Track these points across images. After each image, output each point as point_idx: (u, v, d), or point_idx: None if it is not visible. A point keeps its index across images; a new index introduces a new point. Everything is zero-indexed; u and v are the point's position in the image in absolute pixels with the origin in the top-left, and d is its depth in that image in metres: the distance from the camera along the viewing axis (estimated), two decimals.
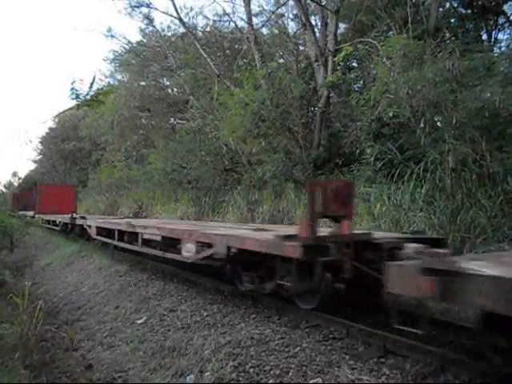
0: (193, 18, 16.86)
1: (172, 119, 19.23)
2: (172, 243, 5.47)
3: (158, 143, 16.33)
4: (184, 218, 11.94)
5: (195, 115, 13.81)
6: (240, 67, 13.17)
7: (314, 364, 2.91)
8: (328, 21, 10.63)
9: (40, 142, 34.32)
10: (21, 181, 43.66)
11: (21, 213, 17.57)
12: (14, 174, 45.97)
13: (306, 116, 10.64)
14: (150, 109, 18.26)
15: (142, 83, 18.62)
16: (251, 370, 2.97)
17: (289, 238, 3.44)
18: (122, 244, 7.22)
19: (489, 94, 6.11)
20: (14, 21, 68.65)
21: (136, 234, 6.40)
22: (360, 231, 4.28)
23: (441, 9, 10.67)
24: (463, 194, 5.77)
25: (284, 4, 14.18)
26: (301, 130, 10.08)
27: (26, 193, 25.83)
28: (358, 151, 8.00)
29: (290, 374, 2.84)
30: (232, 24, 15.76)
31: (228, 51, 16.75)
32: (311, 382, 2.73)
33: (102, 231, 8.25)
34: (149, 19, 17.06)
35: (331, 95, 10.94)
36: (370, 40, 9.39)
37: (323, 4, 11.16)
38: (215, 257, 4.34)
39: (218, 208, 11.25)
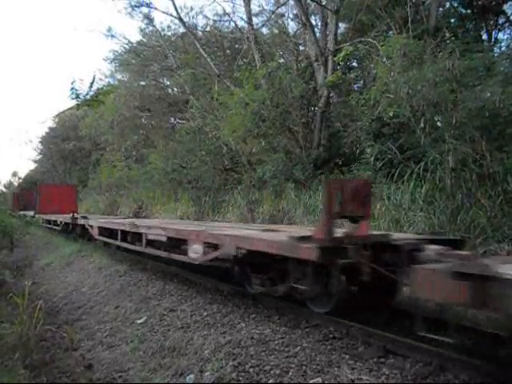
0: (193, 17, 16.91)
1: (172, 119, 19.23)
2: (177, 244, 5.37)
3: (158, 143, 16.33)
4: (184, 217, 11.95)
5: (195, 115, 13.82)
6: (240, 67, 13.19)
7: (313, 364, 2.91)
8: (328, 20, 10.64)
9: (40, 142, 34.33)
10: (21, 180, 43.66)
11: (21, 212, 17.51)
12: (14, 174, 45.97)
13: (306, 116, 10.64)
14: (150, 108, 18.26)
15: (142, 83, 18.62)
16: (251, 369, 2.97)
17: (304, 239, 3.29)
18: (125, 244, 7.09)
19: (489, 94, 6.11)
20: (14, 21, 68.66)
21: (140, 234, 6.27)
22: (378, 232, 4.16)
23: (441, 8, 10.68)
24: (463, 193, 5.77)
25: (284, 4, 14.19)
26: (301, 129, 10.08)
27: (26, 192, 25.76)
28: (357, 151, 8.00)
29: (290, 373, 2.84)
30: (232, 24, 15.81)
31: (228, 51, 16.76)
32: (311, 381, 2.73)
33: (104, 231, 8.12)
34: (149, 19, 17.07)
35: (331, 95, 10.95)
36: (370, 40, 9.39)
37: (323, 4, 11.17)
38: (223, 258, 4.25)
39: (218, 208, 11.26)
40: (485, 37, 10.81)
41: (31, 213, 17.01)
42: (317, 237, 3.25)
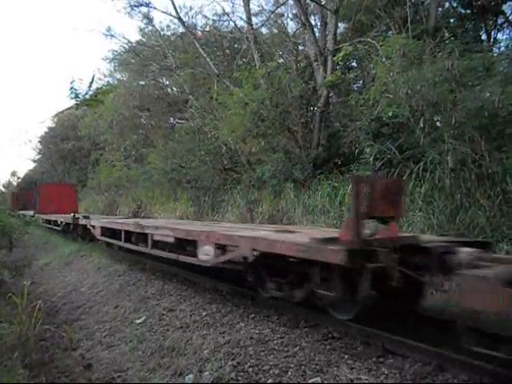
0: (192, 17, 16.90)
1: (171, 119, 19.21)
2: (185, 245, 5.22)
3: (157, 143, 16.32)
4: (183, 217, 11.95)
5: (194, 115, 13.81)
6: (239, 67, 13.20)
7: (313, 363, 2.91)
8: (327, 20, 10.63)
9: (39, 142, 34.33)
10: (20, 180, 43.67)
11: (20, 212, 17.47)
12: (13, 174, 45.98)
13: (305, 116, 10.63)
14: (150, 108, 18.26)
15: (142, 82, 18.61)
16: (250, 369, 2.98)
17: (329, 241, 3.08)
18: (129, 245, 6.89)
19: (488, 94, 6.11)
20: (13, 21, 68.62)
21: (145, 235, 6.03)
22: (407, 234, 3.95)
23: (440, 9, 10.68)
24: (462, 193, 5.77)
25: (283, 3, 14.20)
26: (300, 129, 10.08)
27: (26, 192, 25.71)
28: (357, 151, 8.00)
29: (289, 373, 2.84)
30: (231, 23, 15.78)
31: (227, 51, 16.76)
32: (310, 381, 2.73)
33: (106, 232, 7.94)
34: (148, 18, 17.07)
35: (330, 95, 10.94)
36: (369, 40, 9.39)
37: (323, 4, 11.17)
38: (236, 260, 4.04)
39: (217, 208, 11.26)
40: (484, 37, 10.83)
41: (30, 212, 16.95)
42: (344, 239, 3.03)
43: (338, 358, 2.97)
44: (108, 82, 22.81)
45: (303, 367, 2.88)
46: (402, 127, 7.37)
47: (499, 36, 10.97)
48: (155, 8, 15.78)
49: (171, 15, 15.50)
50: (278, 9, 14.47)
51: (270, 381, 2.81)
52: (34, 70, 74.94)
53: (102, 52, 45.06)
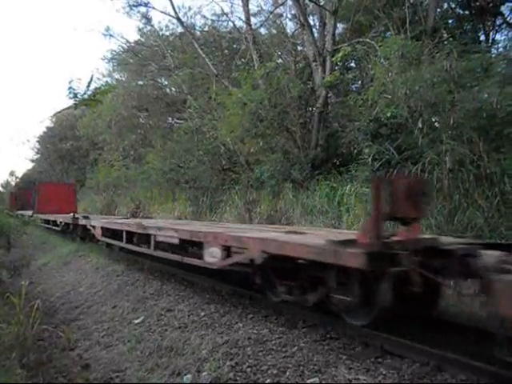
0: (191, 17, 16.93)
1: (170, 119, 19.23)
2: (189, 247, 5.12)
3: (155, 143, 16.33)
4: (182, 217, 11.94)
5: (193, 115, 13.82)
6: (238, 67, 13.23)
7: (311, 364, 2.92)
8: (326, 21, 10.65)
9: (37, 142, 34.34)
10: (18, 180, 43.62)
11: (19, 212, 17.38)
12: (12, 174, 45.91)
13: (303, 116, 10.65)
14: (148, 108, 18.27)
15: (140, 82, 18.62)
16: (248, 369, 2.98)
17: (346, 243, 2.94)
18: (130, 247, 6.76)
19: (486, 95, 6.12)
20: (13, 20, 68.50)
21: (148, 235, 5.87)
22: (427, 236, 3.83)
23: (439, 9, 10.68)
24: (460, 194, 5.78)
25: (282, 4, 14.22)
26: (299, 130, 10.08)
27: (24, 192, 25.61)
28: (355, 151, 8.00)
29: (287, 373, 2.84)
30: (230, 24, 15.82)
31: (226, 51, 16.77)
32: (308, 381, 2.73)
33: (107, 232, 7.82)
34: (147, 18, 17.11)
35: (329, 95, 10.95)
36: (368, 40, 9.41)
37: (321, 4, 11.18)
38: (244, 263, 3.89)
39: (215, 208, 11.25)
40: (482, 38, 10.82)
41: (29, 212, 16.85)
42: (362, 241, 2.90)
43: (336, 358, 2.97)
44: (107, 81, 22.78)
45: (301, 367, 2.88)
46: (400, 128, 7.37)
47: (497, 37, 10.99)
48: (154, 8, 15.85)
49: (170, 15, 15.57)
50: (277, 9, 14.50)
51: (268, 381, 2.81)
52: (33, 69, 74.84)
53: (101, 52, 45.07)
